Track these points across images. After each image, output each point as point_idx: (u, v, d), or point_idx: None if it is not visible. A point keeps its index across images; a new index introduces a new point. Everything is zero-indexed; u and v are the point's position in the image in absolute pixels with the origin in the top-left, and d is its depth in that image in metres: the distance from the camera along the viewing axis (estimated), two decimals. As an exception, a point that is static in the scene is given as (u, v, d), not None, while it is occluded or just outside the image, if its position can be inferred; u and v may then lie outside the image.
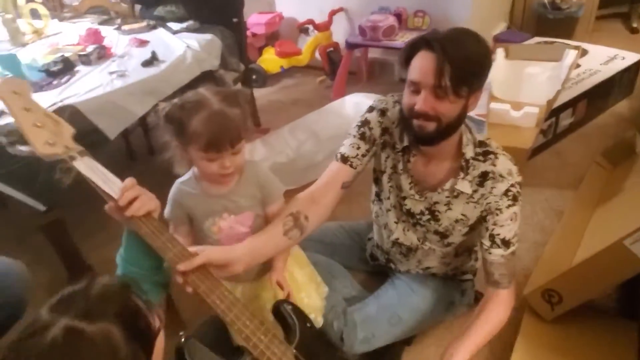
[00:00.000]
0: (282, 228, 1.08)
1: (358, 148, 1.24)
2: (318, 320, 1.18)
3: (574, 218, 1.69)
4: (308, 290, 1.20)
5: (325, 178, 1.24)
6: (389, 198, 1.29)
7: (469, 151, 1.12)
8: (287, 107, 3.04)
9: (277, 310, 1.03)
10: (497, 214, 1.11)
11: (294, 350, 0.91)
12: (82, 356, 0.51)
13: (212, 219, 1.08)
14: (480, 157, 1.12)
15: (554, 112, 2.20)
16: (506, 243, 1.11)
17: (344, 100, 2.55)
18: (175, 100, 0.98)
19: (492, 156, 1.11)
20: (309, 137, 2.27)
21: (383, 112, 1.23)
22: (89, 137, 1.54)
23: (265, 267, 1.13)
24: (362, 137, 1.24)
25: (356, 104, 2.41)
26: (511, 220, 1.10)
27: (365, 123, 1.24)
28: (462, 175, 1.12)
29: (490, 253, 1.12)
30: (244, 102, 1.02)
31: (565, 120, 2.33)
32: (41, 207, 1.49)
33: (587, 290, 1.24)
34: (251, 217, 1.11)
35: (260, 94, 3.15)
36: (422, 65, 1.01)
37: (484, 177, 1.11)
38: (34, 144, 0.84)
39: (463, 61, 0.97)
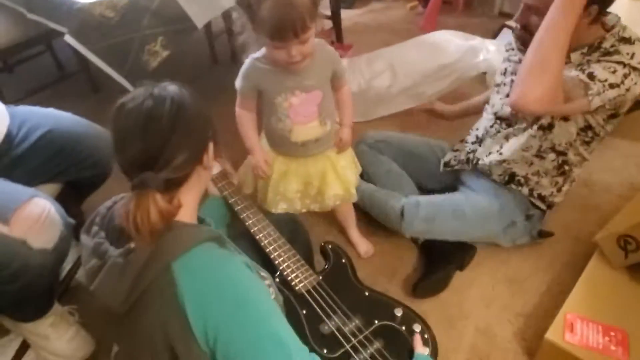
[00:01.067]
0: None
1: None
2: (352, 193, 1.32)
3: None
4: (351, 169, 1.33)
5: None
6: (503, 73, 1.32)
7: (608, 42, 1.07)
8: (371, 32, 2.93)
9: (322, 248, 1.25)
10: (596, 62, 1.06)
11: (320, 278, 1.10)
12: (180, 107, 0.71)
13: (285, 95, 1.12)
14: (614, 47, 1.07)
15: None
16: (590, 75, 1.04)
17: (432, 36, 2.30)
18: None
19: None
20: (385, 70, 2.14)
21: None
22: (179, 23, 1.59)
23: (324, 144, 1.25)
24: None
25: (445, 41, 2.17)
26: (608, 69, 1.04)
27: None
28: (585, 49, 1.09)
29: (570, 71, 1.07)
30: None
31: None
32: (130, 87, 1.59)
33: (671, 242, 1.13)
34: (320, 95, 1.15)
35: (347, 15, 3.04)
36: None
37: (602, 55, 1.07)
38: None
39: None
